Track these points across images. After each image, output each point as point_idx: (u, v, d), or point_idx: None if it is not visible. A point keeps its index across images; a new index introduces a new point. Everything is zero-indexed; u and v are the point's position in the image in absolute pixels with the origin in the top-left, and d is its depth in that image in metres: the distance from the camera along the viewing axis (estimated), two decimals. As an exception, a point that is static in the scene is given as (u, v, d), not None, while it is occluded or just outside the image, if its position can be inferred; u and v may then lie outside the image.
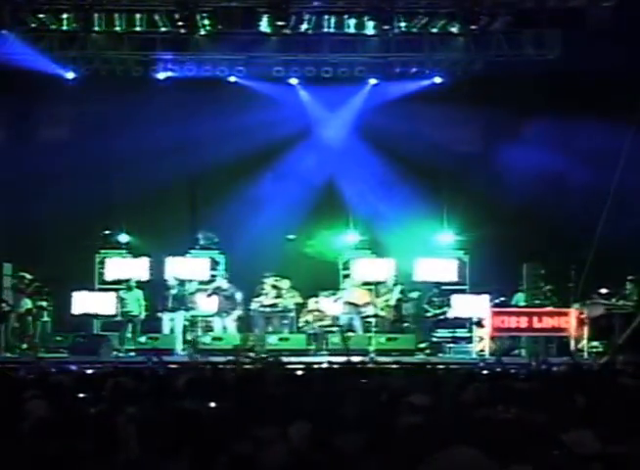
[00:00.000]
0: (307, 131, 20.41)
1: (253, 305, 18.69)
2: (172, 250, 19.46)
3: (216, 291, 18.77)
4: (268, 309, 18.67)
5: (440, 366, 12.94)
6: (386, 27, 18.89)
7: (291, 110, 20.26)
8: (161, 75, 20.29)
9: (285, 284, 18.90)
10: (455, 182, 20.10)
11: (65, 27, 19.15)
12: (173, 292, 18.65)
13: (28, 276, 18.43)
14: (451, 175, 20.18)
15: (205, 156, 19.74)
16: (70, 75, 20.19)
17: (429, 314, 18.95)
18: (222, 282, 18.93)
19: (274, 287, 18.73)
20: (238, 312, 18.73)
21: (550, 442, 5.33)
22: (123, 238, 19.80)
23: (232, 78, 20.41)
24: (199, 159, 19.83)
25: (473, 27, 18.82)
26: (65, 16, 19.03)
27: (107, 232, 19.72)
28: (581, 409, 6.55)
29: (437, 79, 20.52)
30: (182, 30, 19.03)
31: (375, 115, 20.49)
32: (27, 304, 18.41)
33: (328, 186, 20.07)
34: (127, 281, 18.79)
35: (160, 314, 18.57)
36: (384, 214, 19.82)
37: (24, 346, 17.94)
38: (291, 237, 19.53)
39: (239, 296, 18.77)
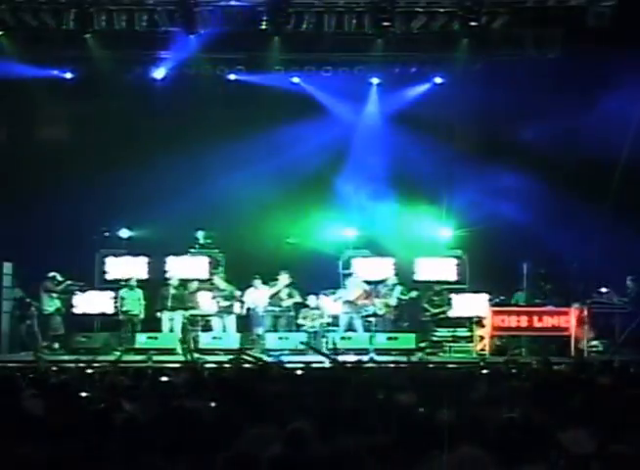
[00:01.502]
0: (306, 128, 20.33)
1: (262, 304, 18.63)
2: (172, 249, 19.45)
3: (214, 291, 18.75)
4: (278, 308, 18.63)
5: (440, 365, 12.94)
6: (385, 26, 18.88)
7: (292, 106, 20.22)
8: (161, 74, 20.30)
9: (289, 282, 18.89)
10: (456, 181, 20.05)
11: (64, 27, 19.12)
12: (173, 291, 18.64)
13: (59, 277, 18.49)
14: (452, 173, 20.15)
15: (206, 153, 19.75)
16: (69, 75, 20.21)
17: (428, 314, 18.94)
18: (220, 282, 18.91)
19: (287, 285, 18.68)
20: (238, 312, 18.71)
21: (549, 441, 5.34)
22: (124, 237, 19.80)
23: (232, 76, 20.42)
24: (200, 156, 19.83)
25: (473, 26, 18.80)
26: (65, 15, 19.00)
27: (107, 231, 19.72)
28: (578, 408, 6.56)
29: (438, 80, 20.54)
30: (182, 29, 19.04)
31: (373, 113, 20.52)
32: (57, 303, 18.48)
33: (328, 185, 20.07)
34: (127, 280, 18.79)
35: (158, 314, 18.56)
36: (384, 213, 19.79)
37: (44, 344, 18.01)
38: (291, 240, 19.53)
39: (238, 295, 18.74)
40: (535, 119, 19.51)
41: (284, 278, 18.66)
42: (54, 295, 18.48)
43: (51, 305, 18.48)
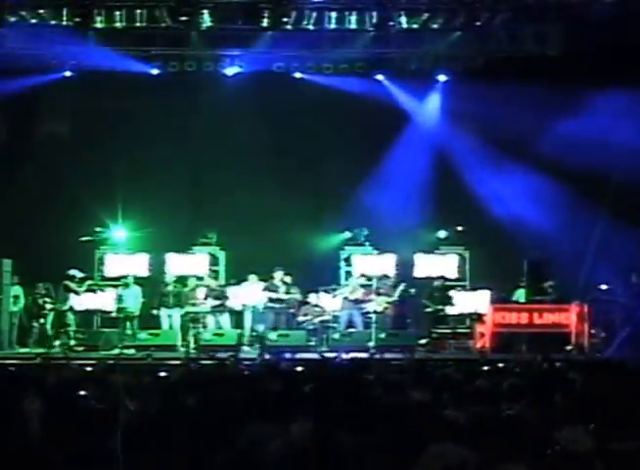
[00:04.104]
0: (306, 129, 20.30)
1: (263, 300, 18.61)
2: (173, 246, 19.45)
3: (205, 289, 18.73)
4: (278, 305, 18.60)
5: (440, 362, 12.95)
6: (387, 23, 18.87)
7: (291, 104, 20.21)
8: (161, 71, 20.29)
9: (288, 279, 18.87)
10: (454, 178, 20.04)
11: (65, 23, 19.09)
12: (171, 288, 18.64)
13: (79, 274, 18.42)
14: (452, 170, 20.13)
15: (206, 151, 19.74)
16: (69, 73, 20.21)
17: (429, 310, 18.90)
18: (210, 281, 18.89)
19: (284, 282, 18.67)
20: (232, 306, 18.66)
21: (546, 438, 5.33)
22: (124, 234, 19.79)
23: (230, 72, 20.40)
24: (201, 154, 19.82)
25: (474, 23, 18.80)
26: (65, 11, 18.98)
27: (108, 228, 19.71)
28: (577, 406, 6.56)
29: (442, 77, 20.58)
30: (183, 26, 19.02)
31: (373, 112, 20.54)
32: (70, 302, 18.36)
33: (327, 184, 20.08)
34: (125, 278, 18.78)
35: (156, 311, 18.55)
36: (384, 211, 19.78)
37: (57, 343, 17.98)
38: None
39: (229, 294, 18.67)
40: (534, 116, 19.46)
41: (278, 275, 18.62)
42: (73, 294, 18.36)
43: (66, 303, 18.37)
